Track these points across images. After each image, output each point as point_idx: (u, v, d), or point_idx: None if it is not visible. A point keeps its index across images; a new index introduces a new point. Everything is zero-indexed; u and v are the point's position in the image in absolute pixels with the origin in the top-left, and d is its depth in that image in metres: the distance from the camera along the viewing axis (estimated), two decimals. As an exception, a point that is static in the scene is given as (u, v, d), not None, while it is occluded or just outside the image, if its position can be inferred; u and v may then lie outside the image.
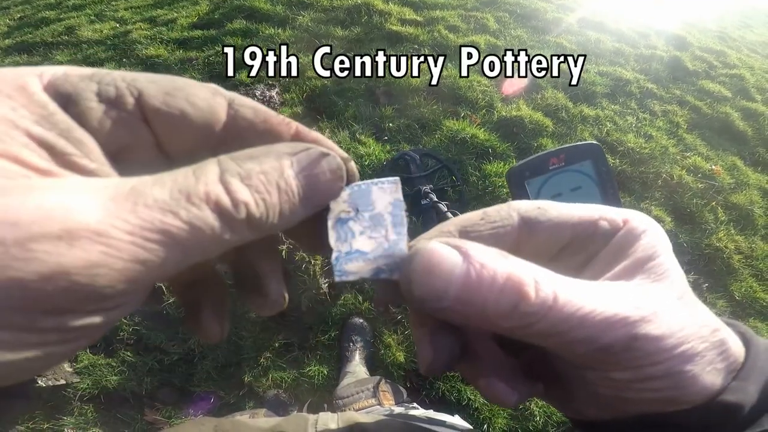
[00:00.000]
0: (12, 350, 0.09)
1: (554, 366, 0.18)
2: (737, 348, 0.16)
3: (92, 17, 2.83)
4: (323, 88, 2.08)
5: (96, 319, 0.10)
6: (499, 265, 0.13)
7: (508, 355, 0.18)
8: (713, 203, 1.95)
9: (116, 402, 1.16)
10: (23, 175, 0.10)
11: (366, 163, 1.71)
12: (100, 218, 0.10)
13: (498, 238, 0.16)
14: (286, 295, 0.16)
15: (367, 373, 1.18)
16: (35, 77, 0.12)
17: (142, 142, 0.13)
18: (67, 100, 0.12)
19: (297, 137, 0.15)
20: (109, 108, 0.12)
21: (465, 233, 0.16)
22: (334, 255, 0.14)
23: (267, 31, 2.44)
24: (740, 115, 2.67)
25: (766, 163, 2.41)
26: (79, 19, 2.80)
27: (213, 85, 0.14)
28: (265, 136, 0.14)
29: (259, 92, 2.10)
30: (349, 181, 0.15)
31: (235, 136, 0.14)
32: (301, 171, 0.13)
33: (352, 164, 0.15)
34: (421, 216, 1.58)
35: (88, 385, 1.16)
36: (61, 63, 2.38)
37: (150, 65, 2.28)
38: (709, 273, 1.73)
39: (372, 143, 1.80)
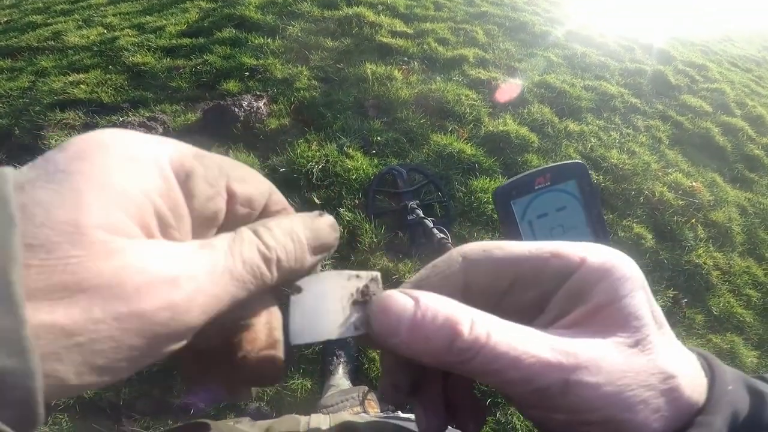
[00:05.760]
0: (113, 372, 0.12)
1: None
2: (695, 392, 0.16)
3: (80, 22, 2.79)
4: (311, 99, 2.08)
5: (179, 346, 0.14)
6: (442, 307, 0.15)
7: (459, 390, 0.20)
8: (693, 220, 2.00)
9: (92, 412, 1.13)
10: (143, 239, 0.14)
11: (354, 177, 1.72)
12: (191, 267, 0.13)
13: (447, 283, 0.18)
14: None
15: (351, 386, 1.17)
16: (165, 152, 0.15)
17: (219, 214, 0.17)
18: (187, 176, 0.15)
19: None
20: (209, 188, 0.16)
21: (418, 286, 0.18)
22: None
23: (256, 41, 2.43)
24: (720, 131, 2.75)
25: (745, 180, 2.48)
26: (67, 24, 2.76)
27: (260, 174, 0.18)
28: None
29: (246, 103, 2.09)
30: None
31: (262, 217, 0.19)
32: (305, 226, 0.17)
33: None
34: (408, 231, 1.59)
35: (62, 393, 1.14)
36: (45, 68, 2.36)
37: (136, 73, 2.25)
38: (688, 289, 1.77)
39: (360, 157, 1.81)
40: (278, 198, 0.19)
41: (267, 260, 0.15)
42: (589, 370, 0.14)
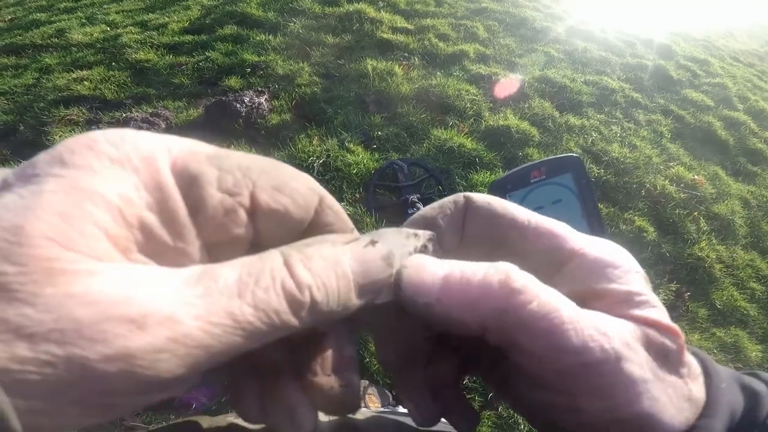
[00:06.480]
0: (49, 419, 0.09)
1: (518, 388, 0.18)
2: (698, 391, 0.16)
3: (83, 20, 2.81)
4: (313, 95, 2.09)
5: (144, 401, 0.10)
6: (477, 266, 0.14)
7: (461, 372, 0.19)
8: (695, 213, 1.99)
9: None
10: (112, 259, 0.10)
11: (354, 172, 1.72)
12: (171, 303, 0.10)
13: (449, 220, 0.18)
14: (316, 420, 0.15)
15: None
16: (165, 151, 0.12)
17: (242, 231, 0.13)
18: (192, 180, 0.12)
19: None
20: (225, 197, 0.12)
21: (423, 218, 0.18)
22: None
23: (258, 38, 2.44)
24: (722, 125, 2.73)
25: (747, 173, 2.47)
26: (70, 21, 2.78)
27: (308, 178, 0.14)
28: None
29: (248, 99, 2.10)
30: None
31: (311, 235, 0.14)
32: (354, 258, 0.13)
33: None
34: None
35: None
36: (49, 65, 2.38)
37: (139, 69, 2.27)
38: (691, 282, 1.77)
39: (361, 151, 1.81)
40: (331, 207, 0.15)
41: (295, 304, 0.11)
42: (631, 359, 0.13)
